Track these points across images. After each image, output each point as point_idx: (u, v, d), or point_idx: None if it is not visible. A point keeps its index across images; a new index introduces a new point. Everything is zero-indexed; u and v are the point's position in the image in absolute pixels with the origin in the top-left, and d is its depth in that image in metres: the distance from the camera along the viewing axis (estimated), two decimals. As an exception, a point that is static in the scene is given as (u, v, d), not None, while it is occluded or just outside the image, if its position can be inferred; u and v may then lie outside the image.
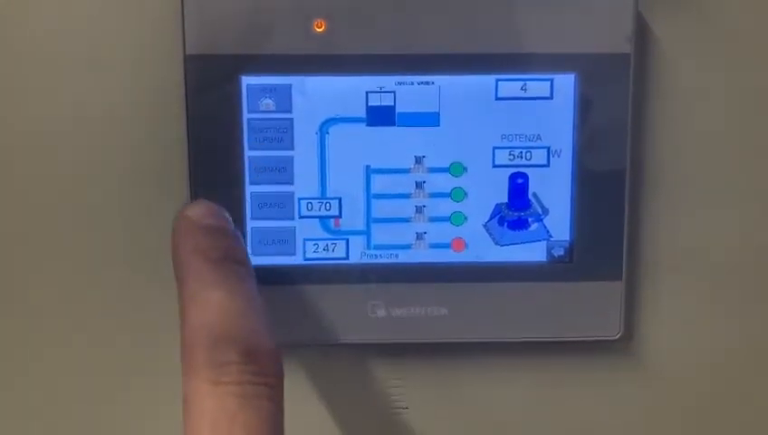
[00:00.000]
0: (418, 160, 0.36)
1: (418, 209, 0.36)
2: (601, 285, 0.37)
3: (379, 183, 0.36)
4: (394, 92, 0.35)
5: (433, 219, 0.37)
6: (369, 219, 0.36)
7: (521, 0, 0.35)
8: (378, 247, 0.37)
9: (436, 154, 0.36)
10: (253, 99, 0.35)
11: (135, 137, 0.36)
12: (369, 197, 0.36)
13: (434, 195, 0.36)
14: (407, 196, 0.36)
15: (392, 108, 0.35)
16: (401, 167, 0.36)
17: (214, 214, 0.31)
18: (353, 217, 0.36)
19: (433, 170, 0.36)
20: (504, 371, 0.39)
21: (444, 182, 0.36)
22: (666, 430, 0.40)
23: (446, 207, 0.36)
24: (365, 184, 0.36)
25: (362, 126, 0.36)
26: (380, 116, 0.36)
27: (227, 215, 0.32)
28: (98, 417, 0.39)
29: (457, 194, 0.36)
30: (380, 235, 0.37)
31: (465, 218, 0.37)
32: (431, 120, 0.36)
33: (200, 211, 0.31)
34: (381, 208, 0.36)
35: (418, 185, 0.36)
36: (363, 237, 0.36)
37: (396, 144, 0.36)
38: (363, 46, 0.35)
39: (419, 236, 0.37)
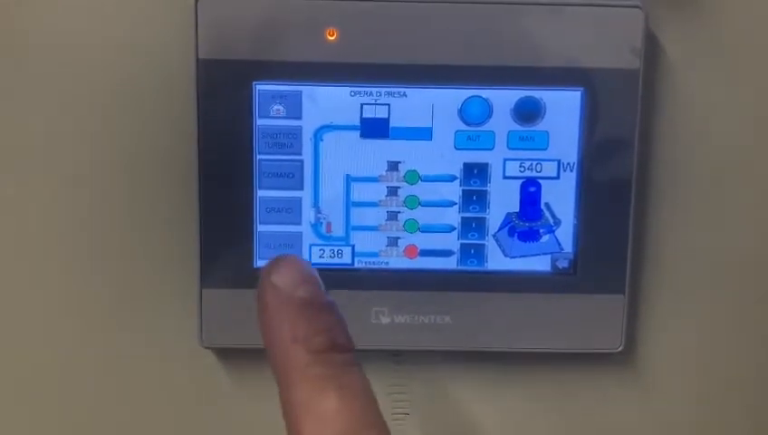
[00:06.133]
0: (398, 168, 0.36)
1: (391, 216, 0.37)
2: (604, 297, 0.37)
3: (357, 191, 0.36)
4: (389, 105, 0.36)
5: (429, 228, 0.37)
6: (349, 226, 0.37)
7: (531, 15, 0.35)
8: (361, 254, 0.37)
9: (432, 164, 0.36)
10: (264, 105, 0.35)
11: (146, 138, 0.37)
12: (349, 204, 0.36)
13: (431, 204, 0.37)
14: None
15: (386, 120, 0.36)
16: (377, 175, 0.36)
17: (305, 278, 0.26)
18: (338, 224, 0.37)
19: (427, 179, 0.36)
20: (505, 380, 0.39)
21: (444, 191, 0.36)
22: (666, 444, 0.41)
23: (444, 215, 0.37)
24: (345, 192, 0.36)
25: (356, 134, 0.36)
26: (373, 127, 0.36)
27: (315, 272, 0.26)
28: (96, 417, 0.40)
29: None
30: (360, 242, 0.37)
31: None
32: (425, 133, 0.36)
33: (290, 278, 0.25)
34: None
35: (392, 191, 0.36)
36: (348, 243, 0.37)
37: (388, 154, 0.36)
38: (375, 55, 0.35)
39: (392, 243, 0.37)
